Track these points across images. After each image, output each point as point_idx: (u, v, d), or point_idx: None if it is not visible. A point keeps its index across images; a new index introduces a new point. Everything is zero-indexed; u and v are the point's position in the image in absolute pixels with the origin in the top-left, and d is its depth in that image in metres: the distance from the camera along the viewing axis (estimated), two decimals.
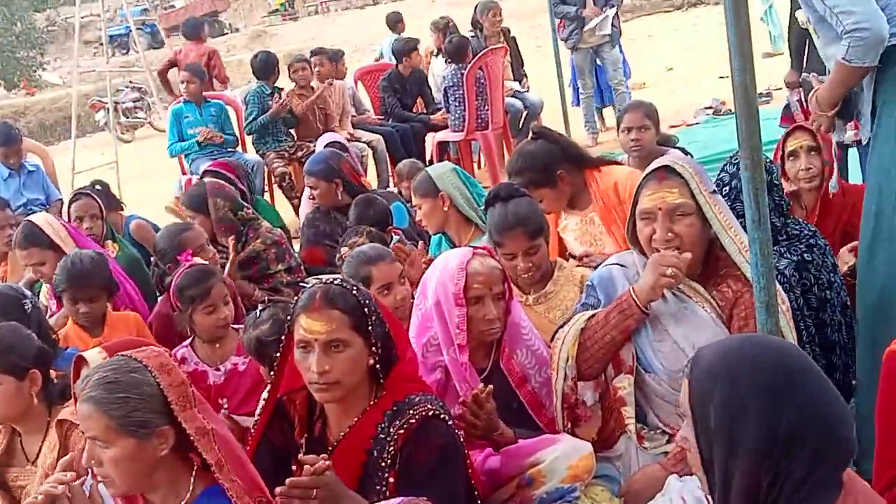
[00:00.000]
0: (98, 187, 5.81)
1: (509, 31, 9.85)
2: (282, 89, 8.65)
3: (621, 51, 9.77)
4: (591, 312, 2.97)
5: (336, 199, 5.41)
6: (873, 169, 3.16)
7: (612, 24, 9.32)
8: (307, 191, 6.56)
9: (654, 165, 2.93)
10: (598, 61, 9.60)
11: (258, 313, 3.45)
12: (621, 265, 3.02)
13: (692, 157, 5.12)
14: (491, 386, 2.88)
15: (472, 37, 9.46)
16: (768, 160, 3.55)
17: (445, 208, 4.35)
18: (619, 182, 3.97)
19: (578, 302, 3.17)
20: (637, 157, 4.86)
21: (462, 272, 2.96)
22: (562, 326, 3.02)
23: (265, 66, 8.57)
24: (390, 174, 8.67)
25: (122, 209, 6.29)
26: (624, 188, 3.90)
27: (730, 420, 1.67)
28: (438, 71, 9.42)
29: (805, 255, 3.48)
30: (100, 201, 5.25)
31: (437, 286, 3.01)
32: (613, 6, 9.33)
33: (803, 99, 6.12)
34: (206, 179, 5.49)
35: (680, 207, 2.81)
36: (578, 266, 3.76)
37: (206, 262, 4.03)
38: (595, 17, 9.10)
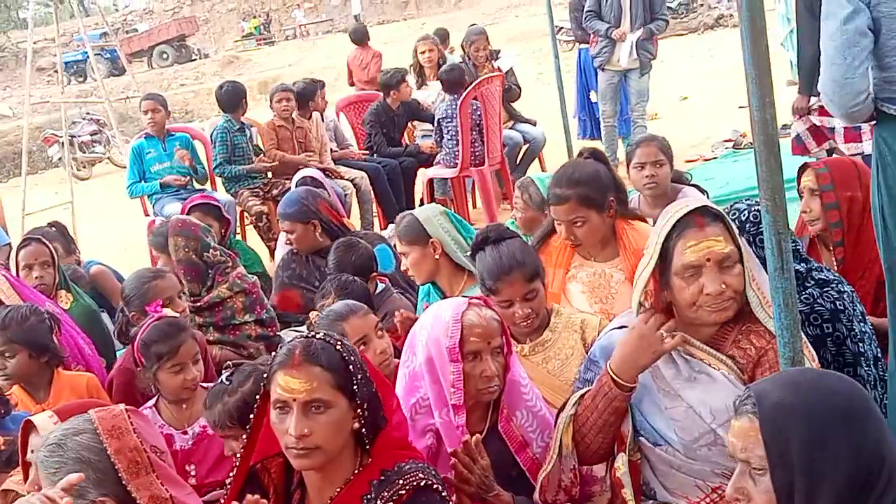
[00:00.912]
0: (53, 229, 5.82)
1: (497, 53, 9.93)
2: (252, 125, 8.70)
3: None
4: (581, 392, 2.96)
5: (315, 241, 5.44)
6: None
7: (647, 50, 9.27)
8: (282, 234, 6.60)
9: (680, 208, 2.87)
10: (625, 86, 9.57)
11: (224, 380, 3.43)
12: (627, 328, 2.97)
13: (708, 195, 5.20)
14: (479, 436, 2.88)
15: (462, 63, 9.58)
16: None
17: (436, 256, 4.36)
18: None
19: (577, 376, 3.16)
20: (651, 195, 4.90)
21: (457, 324, 2.95)
22: (561, 410, 3.01)
23: (231, 98, 8.55)
24: (375, 214, 8.71)
25: (78, 254, 6.30)
26: None
27: (813, 451, 1.81)
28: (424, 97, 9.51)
29: (837, 302, 3.50)
30: (51, 247, 5.25)
31: (428, 341, 2.99)
32: (652, 25, 9.19)
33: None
34: (172, 217, 5.52)
35: (730, 257, 2.77)
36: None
37: (177, 316, 4.03)
38: (621, 41, 9.12)
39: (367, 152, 9.29)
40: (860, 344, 3.50)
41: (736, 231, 2.83)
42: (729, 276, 2.77)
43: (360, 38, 12.63)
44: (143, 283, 4.57)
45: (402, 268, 4.56)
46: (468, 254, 4.34)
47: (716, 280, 2.75)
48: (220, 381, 3.49)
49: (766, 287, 2.69)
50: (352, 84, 12.53)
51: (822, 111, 6.67)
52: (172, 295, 4.52)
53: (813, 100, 6.85)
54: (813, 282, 3.55)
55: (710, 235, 2.78)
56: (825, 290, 3.52)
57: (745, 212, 3.56)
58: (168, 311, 4.04)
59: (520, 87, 9.80)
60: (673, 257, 2.81)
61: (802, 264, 3.55)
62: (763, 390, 1.92)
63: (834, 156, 5.39)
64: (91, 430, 2.22)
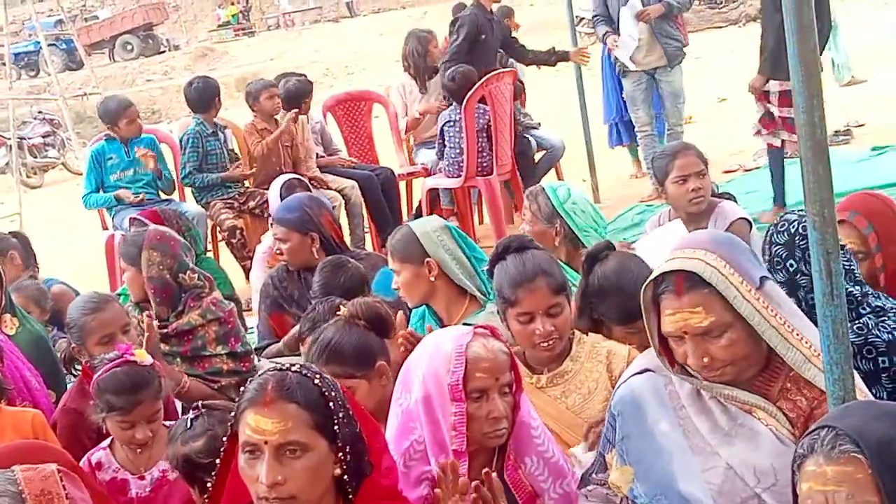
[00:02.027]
0: (14, 239, 5.80)
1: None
2: (225, 126, 8.70)
3: None
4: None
5: (309, 257, 5.42)
6: None
7: (672, 38, 9.03)
8: (259, 250, 6.59)
9: (666, 264, 2.85)
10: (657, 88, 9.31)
11: (188, 423, 3.43)
12: (650, 371, 2.96)
13: (745, 211, 5.20)
14: (461, 461, 2.86)
15: None
16: None
17: (432, 277, 4.36)
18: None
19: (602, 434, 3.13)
20: (699, 210, 4.92)
21: (461, 358, 2.92)
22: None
23: (202, 97, 8.56)
24: (367, 230, 8.70)
25: (36, 270, 6.32)
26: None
27: None
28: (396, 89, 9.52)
29: (895, 332, 3.47)
30: None
31: (426, 376, 2.97)
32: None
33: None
34: (151, 227, 5.52)
35: (712, 330, 2.75)
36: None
37: (146, 363, 3.97)
38: (614, 47, 9.00)
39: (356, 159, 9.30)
40: None
41: (738, 294, 2.75)
42: (714, 347, 2.75)
43: None
44: (83, 314, 4.53)
45: (393, 285, 4.53)
46: (473, 276, 4.35)
47: (696, 352, 2.76)
48: (183, 421, 3.47)
49: (812, 335, 2.67)
50: None
51: (783, 101, 7.55)
52: (114, 331, 4.47)
53: (774, 85, 7.66)
54: (868, 309, 3.52)
55: (685, 306, 2.76)
56: (882, 318, 3.50)
57: (796, 223, 3.50)
58: (137, 355, 3.97)
59: (522, 84, 9.78)
60: (659, 318, 2.84)
61: (857, 287, 3.52)
62: (857, 426, 2.00)
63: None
64: (13, 495, 2.19)
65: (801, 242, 3.42)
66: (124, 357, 3.88)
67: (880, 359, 3.45)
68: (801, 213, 3.56)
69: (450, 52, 8.76)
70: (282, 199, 6.39)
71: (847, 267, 3.45)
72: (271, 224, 5.86)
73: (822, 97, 2.33)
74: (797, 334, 2.77)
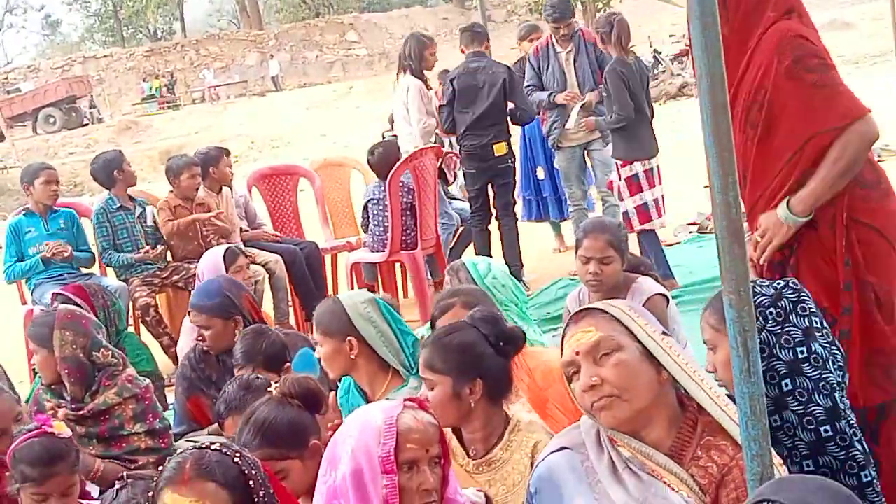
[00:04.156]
0: None
1: None
2: (147, 202, 8.62)
3: None
4: None
5: (232, 340, 5.33)
6: None
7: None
8: (186, 324, 6.51)
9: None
10: (587, 162, 9.43)
11: (115, 494, 3.38)
12: (567, 448, 2.96)
13: (664, 286, 5.27)
14: None
15: (393, 135, 9.63)
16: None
17: (353, 355, 4.33)
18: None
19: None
20: (595, 293, 4.95)
21: (391, 429, 2.88)
22: None
23: (103, 171, 8.43)
24: (290, 304, 8.66)
25: None
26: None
27: None
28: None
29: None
30: None
31: (355, 450, 2.91)
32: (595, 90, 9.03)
33: None
34: (60, 307, 5.42)
35: (601, 344, 2.82)
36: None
37: (63, 437, 3.90)
38: (572, 102, 9.02)
39: (278, 233, 9.28)
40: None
41: (634, 322, 2.85)
42: (605, 369, 2.81)
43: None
44: None
45: (316, 354, 4.50)
46: (398, 351, 4.33)
47: (586, 373, 2.82)
48: (112, 490, 3.42)
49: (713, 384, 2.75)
50: None
51: (650, 181, 8.08)
52: (5, 426, 4.31)
53: (639, 166, 8.07)
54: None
55: (580, 328, 2.87)
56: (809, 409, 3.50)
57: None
58: (56, 427, 3.90)
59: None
60: None
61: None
62: (798, 500, 2.03)
63: None
64: None
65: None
66: (42, 428, 3.82)
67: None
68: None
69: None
70: (226, 267, 6.38)
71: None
72: (189, 312, 5.75)
73: (736, 176, 2.38)
74: (699, 375, 2.83)
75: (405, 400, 3.04)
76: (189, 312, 5.67)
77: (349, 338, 4.31)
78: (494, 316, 3.71)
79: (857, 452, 3.19)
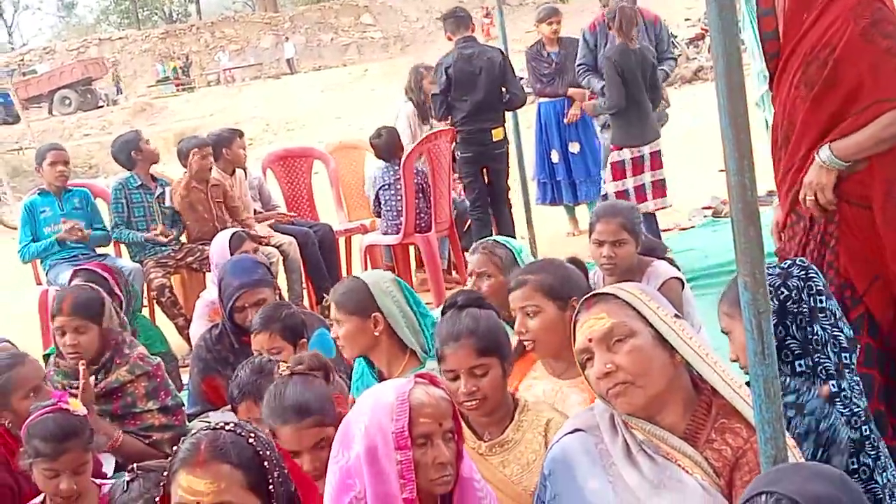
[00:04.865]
0: None
1: None
2: (169, 182, 8.63)
3: None
4: None
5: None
6: None
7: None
8: (200, 305, 6.53)
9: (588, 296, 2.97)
10: None
11: (125, 485, 3.39)
12: (581, 430, 2.96)
13: (679, 269, 5.25)
14: None
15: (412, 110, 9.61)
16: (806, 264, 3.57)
17: (377, 332, 4.33)
18: None
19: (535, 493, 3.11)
20: (610, 276, 4.93)
21: (404, 405, 2.87)
22: None
23: (120, 152, 8.51)
24: (304, 286, 8.67)
25: None
26: None
27: None
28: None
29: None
30: None
31: (368, 428, 2.90)
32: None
33: None
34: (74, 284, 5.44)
35: (613, 331, 2.82)
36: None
37: (78, 414, 3.92)
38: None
39: (295, 214, 9.29)
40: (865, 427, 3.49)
41: (647, 307, 2.84)
42: (619, 355, 2.81)
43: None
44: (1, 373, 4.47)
45: (333, 334, 4.48)
46: (418, 332, 4.32)
47: (600, 360, 2.82)
48: (121, 483, 3.43)
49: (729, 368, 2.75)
50: None
51: (636, 168, 8.22)
52: (38, 384, 4.41)
53: (627, 153, 8.22)
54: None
55: (592, 315, 2.87)
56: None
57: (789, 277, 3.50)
58: (72, 404, 3.92)
59: None
60: None
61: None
62: (797, 490, 2.02)
63: None
64: None
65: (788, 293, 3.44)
66: (58, 404, 3.83)
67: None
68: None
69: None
70: (231, 251, 6.36)
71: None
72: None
73: (752, 158, 2.36)
74: (712, 358, 2.83)
75: (416, 375, 3.04)
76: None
77: (374, 314, 4.29)
78: None
79: (846, 436, 3.22)
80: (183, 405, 5.13)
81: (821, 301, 3.38)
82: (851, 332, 3.51)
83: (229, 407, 4.37)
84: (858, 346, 3.62)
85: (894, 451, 3.50)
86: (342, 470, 2.94)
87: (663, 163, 8.52)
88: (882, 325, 3.90)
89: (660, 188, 8.42)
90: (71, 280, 6.11)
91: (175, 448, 2.52)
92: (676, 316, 2.88)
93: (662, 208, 8.61)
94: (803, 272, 3.43)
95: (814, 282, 3.41)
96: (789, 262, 3.52)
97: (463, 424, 3.50)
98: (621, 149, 8.28)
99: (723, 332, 3.49)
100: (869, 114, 3.71)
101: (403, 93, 9.78)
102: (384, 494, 2.85)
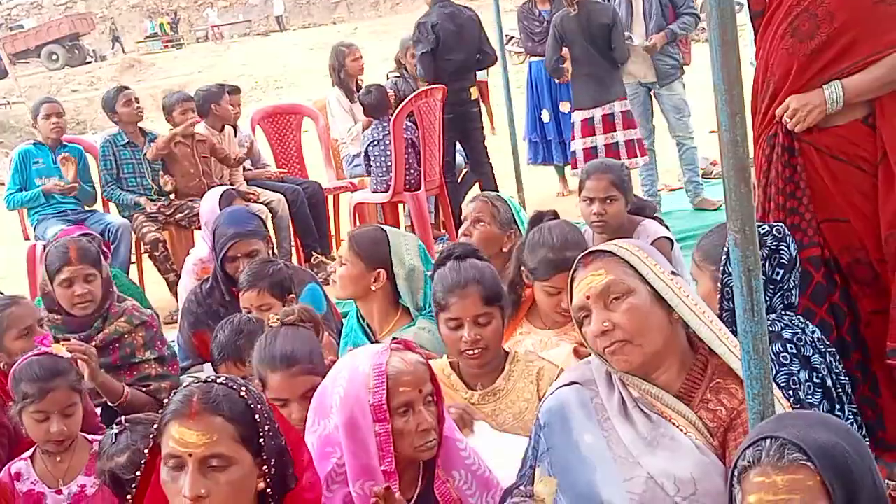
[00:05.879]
0: None
1: None
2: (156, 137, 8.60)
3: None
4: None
5: None
6: None
7: (668, 55, 8.77)
8: (189, 262, 6.52)
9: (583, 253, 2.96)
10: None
11: (113, 438, 3.40)
12: (577, 383, 2.96)
13: (668, 228, 5.26)
14: (391, 481, 2.82)
15: (398, 77, 9.59)
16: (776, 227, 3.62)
17: (374, 287, 4.32)
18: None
19: (529, 443, 3.10)
20: (600, 234, 4.93)
21: (381, 376, 2.88)
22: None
23: (105, 104, 8.53)
24: (293, 244, 8.66)
25: None
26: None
27: (870, 486, 2.07)
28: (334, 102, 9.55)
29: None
30: None
31: (344, 399, 2.91)
32: (675, 25, 8.71)
33: None
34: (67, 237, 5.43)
35: (611, 287, 2.80)
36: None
37: (62, 357, 3.92)
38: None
39: (285, 170, 9.27)
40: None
41: (643, 264, 2.83)
42: (616, 313, 2.79)
43: None
44: None
45: (330, 268, 4.50)
46: (419, 291, 4.32)
47: (597, 319, 2.81)
48: (109, 435, 3.44)
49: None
50: None
51: (606, 126, 8.28)
52: (31, 324, 4.41)
53: (598, 111, 8.31)
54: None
55: (589, 271, 2.85)
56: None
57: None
58: (55, 349, 3.93)
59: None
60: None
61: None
62: (801, 435, 2.07)
63: None
64: None
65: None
66: (41, 350, 3.86)
67: None
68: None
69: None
70: (221, 209, 6.34)
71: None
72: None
73: (744, 115, 2.36)
74: (708, 316, 2.83)
75: (392, 342, 3.03)
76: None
77: (379, 270, 4.29)
78: None
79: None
80: (176, 356, 5.14)
81: (778, 274, 3.52)
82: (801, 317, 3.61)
83: None
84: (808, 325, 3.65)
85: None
86: (321, 438, 2.95)
87: (636, 123, 8.53)
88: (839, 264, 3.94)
89: (633, 148, 8.38)
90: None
91: (166, 400, 2.52)
92: (674, 273, 2.87)
93: (636, 167, 8.48)
94: (776, 242, 3.49)
95: (781, 253, 3.46)
96: (768, 227, 3.56)
97: (452, 377, 3.52)
98: (578, 110, 8.51)
99: (691, 276, 3.62)
100: (868, 65, 3.71)
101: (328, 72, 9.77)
102: (363, 466, 2.88)
